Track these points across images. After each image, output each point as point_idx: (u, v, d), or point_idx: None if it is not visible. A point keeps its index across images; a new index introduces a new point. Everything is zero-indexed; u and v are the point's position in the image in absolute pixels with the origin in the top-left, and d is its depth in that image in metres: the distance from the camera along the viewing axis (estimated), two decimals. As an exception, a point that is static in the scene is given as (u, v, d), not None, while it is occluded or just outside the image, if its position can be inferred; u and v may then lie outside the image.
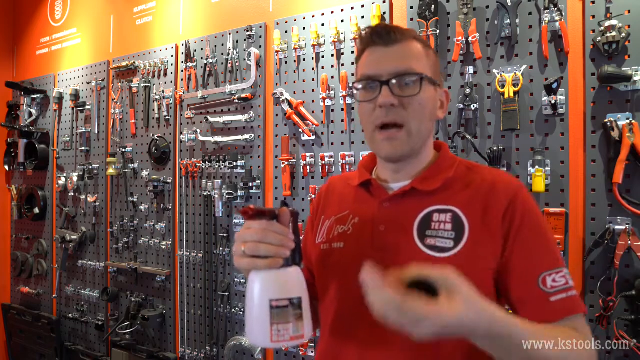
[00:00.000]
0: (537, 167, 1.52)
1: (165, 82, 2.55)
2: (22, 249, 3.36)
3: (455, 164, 0.92)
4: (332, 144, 1.98)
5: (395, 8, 1.86)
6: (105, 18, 2.95)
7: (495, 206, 0.84)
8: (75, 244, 2.90)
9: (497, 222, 0.83)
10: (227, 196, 2.21)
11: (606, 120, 1.44)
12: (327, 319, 0.92)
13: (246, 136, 2.20)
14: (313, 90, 2.03)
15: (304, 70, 2.07)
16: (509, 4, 1.57)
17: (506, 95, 1.58)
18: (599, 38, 1.44)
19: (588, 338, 0.82)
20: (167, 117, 2.52)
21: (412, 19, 1.79)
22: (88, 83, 2.95)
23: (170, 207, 2.50)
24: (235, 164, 2.21)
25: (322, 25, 2.01)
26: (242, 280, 2.23)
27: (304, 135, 2.02)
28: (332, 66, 1.98)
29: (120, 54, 2.81)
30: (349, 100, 1.93)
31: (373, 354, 0.84)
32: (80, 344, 2.98)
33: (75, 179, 2.93)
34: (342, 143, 1.95)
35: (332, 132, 1.98)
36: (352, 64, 1.93)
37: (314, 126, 2.00)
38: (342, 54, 1.96)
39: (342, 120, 1.94)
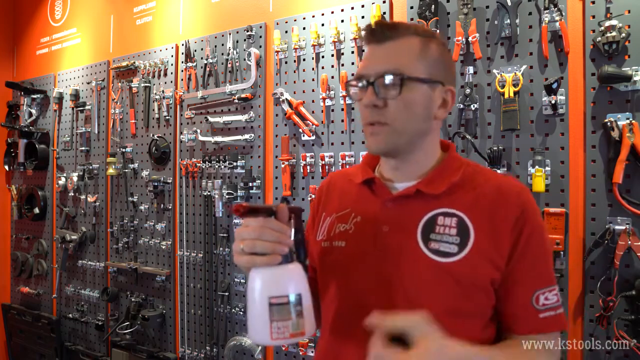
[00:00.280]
0: (537, 167, 1.52)
1: (165, 82, 2.55)
2: (22, 249, 3.36)
3: (462, 167, 0.90)
4: (332, 144, 1.98)
5: (395, 8, 1.86)
6: (105, 18, 2.95)
7: (505, 215, 0.82)
8: (75, 244, 2.90)
9: (505, 232, 0.82)
10: (227, 196, 2.21)
11: (606, 120, 1.44)
12: (327, 317, 0.92)
13: (246, 136, 2.20)
14: (313, 90, 2.03)
15: (304, 70, 2.07)
16: (509, 4, 1.57)
17: (506, 95, 1.58)
18: (599, 38, 1.44)
19: (556, 357, 0.86)
20: (167, 117, 2.52)
21: (412, 19, 1.79)
22: (88, 83, 2.95)
23: (170, 207, 2.50)
24: (235, 164, 2.21)
25: (322, 25, 2.01)
26: (242, 280, 2.23)
27: (304, 135, 2.02)
28: (332, 66, 1.98)
29: (120, 54, 2.81)
30: (349, 100, 1.93)
31: None
32: (80, 344, 2.98)
33: (75, 179, 2.93)
34: (342, 143, 1.95)
35: (332, 132, 1.98)
36: (352, 64, 1.93)
37: (314, 126, 2.00)
38: (342, 54, 1.96)
39: (342, 120, 1.94)
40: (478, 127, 1.66)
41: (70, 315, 2.99)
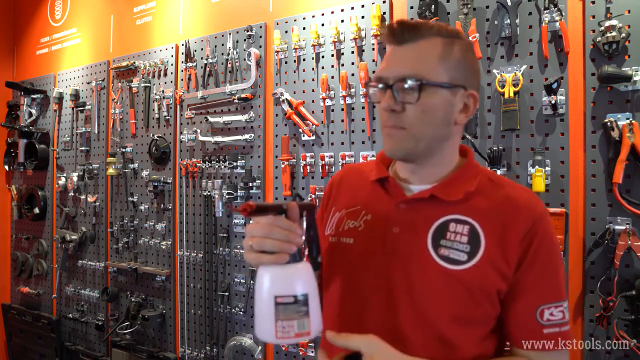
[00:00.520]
0: (537, 167, 1.52)
1: (165, 82, 2.55)
2: (22, 249, 3.36)
3: (478, 175, 0.88)
4: (332, 144, 1.98)
5: (395, 8, 1.86)
6: (105, 18, 2.95)
7: (515, 227, 0.81)
8: (75, 244, 2.90)
9: (514, 244, 0.81)
10: (227, 196, 2.21)
11: (606, 120, 1.44)
12: (330, 314, 0.91)
13: (246, 136, 2.20)
14: (313, 90, 2.03)
15: (304, 70, 2.07)
16: (509, 4, 1.57)
17: (506, 95, 1.58)
18: (599, 38, 1.44)
19: None
20: (167, 117, 2.52)
21: (412, 19, 1.79)
22: (88, 83, 2.95)
23: (170, 207, 2.50)
24: (235, 164, 2.21)
25: (322, 25, 2.01)
26: (242, 280, 2.23)
27: (304, 135, 2.02)
28: (332, 66, 1.98)
29: (120, 54, 2.81)
30: (349, 100, 1.93)
31: None
32: (80, 344, 2.98)
33: (75, 179, 2.93)
34: (342, 143, 1.95)
35: (332, 132, 1.98)
36: (352, 64, 1.93)
37: (314, 126, 2.00)
38: (342, 54, 1.96)
39: (342, 120, 1.94)
40: (478, 127, 1.66)
41: (70, 315, 2.99)
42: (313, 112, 2.03)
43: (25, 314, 3.22)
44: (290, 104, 2.06)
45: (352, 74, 1.92)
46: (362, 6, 1.91)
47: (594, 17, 1.48)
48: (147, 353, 2.53)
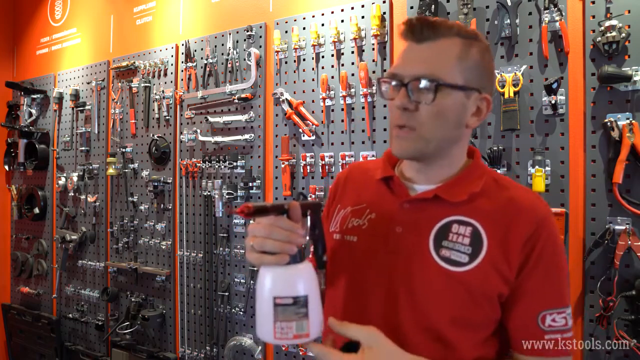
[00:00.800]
0: (537, 167, 1.52)
1: (165, 82, 2.55)
2: (22, 249, 3.36)
3: (484, 176, 0.87)
4: (332, 144, 1.98)
5: (395, 8, 1.86)
6: (105, 18, 2.95)
7: (518, 230, 0.80)
8: (75, 244, 2.90)
9: (516, 247, 0.80)
10: (227, 196, 2.21)
11: (606, 120, 1.44)
12: (334, 311, 0.91)
13: (246, 136, 2.20)
14: (313, 90, 2.03)
15: (304, 70, 2.07)
16: (509, 4, 1.57)
17: (506, 95, 1.58)
18: (599, 38, 1.44)
19: None
20: (167, 117, 2.52)
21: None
22: (88, 83, 2.95)
23: (170, 207, 2.50)
24: (235, 164, 2.21)
25: (322, 25, 2.01)
26: (242, 280, 2.23)
27: (304, 135, 2.02)
28: (332, 66, 1.98)
29: (120, 54, 2.81)
30: (349, 100, 1.93)
31: None
32: (80, 344, 2.98)
33: (75, 179, 2.93)
34: (342, 143, 1.95)
35: (332, 132, 1.98)
36: (352, 64, 1.93)
37: (314, 126, 2.00)
38: (342, 54, 1.96)
39: (342, 120, 1.94)
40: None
41: (70, 315, 2.99)
42: (313, 112, 2.03)
43: (25, 314, 3.22)
44: (290, 104, 2.06)
45: (352, 74, 1.92)
46: (362, 6, 1.91)
47: (594, 17, 1.48)
48: (147, 353, 2.53)
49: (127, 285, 2.71)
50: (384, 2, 1.86)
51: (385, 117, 1.85)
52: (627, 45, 1.43)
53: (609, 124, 1.43)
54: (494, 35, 1.64)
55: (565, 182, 1.52)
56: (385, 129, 1.85)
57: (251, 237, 0.75)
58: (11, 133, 3.42)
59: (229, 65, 2.28)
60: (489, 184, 0.87)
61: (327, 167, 1.96)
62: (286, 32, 2.11)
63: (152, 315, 2.47)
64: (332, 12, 1.98)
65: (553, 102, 1.51)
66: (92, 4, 3.05)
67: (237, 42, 2.27)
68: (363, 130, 1.89)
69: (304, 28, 2.06)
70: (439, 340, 0.81)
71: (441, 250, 0.82)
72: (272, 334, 0.72)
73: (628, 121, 1.42)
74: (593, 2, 1.49)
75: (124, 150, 2.68)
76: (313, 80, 2.03)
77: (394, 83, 0.83)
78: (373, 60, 1.87)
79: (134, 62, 2.66)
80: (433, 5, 1.71)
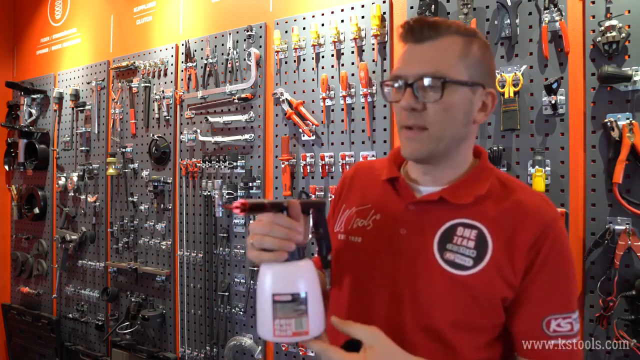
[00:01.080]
0: (537, 167, 1.52)
1: (165, 82, 2.55)
2: (22, 249, 3.36)
3: (490, 178, 0.86)
4: (332, 144, 1.98)
5: (395, 8, 1.86)
6: (105, 18, 2.95)
7: (524, 234, 0.79)
8: (75, 244, 2.90)
9: (522, 251, 0.79)
10: (227, 196, 2.21)
11: (606, 120, 1.44)
12: (338, 312, 0.91)
13: (246, 136, 2.20)
14: (313, 90, 2.03)
15: (304, 70, 2.07)
16: (509, 4, 1.57)
17: (506, 95, 1.58)
18: (599, 38, 1.44)
19: None
20: (167, 117, 2.52)
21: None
22: (88, 83, 2.95)
23: (170, 207, 2.50)
24: (235, 164, 2.21)
25: (322, 25, 2.01)
26: (242, 280, 2.23)
27: (304, 135, 2.02)
28: (332, 66, 1.98)
29: (120, 54, 2.81)
30: (349, 100, 1.93)
31: None
32: (80, 344, 2.98)
33: (75, 179, 2.93)
34: (342, 143, 1.95)
35: (332, 132, 1.98)
36: (352, 64, 1.93)
37: (314, 126, 2.00)
38: (342, 54, 1.96)
39: (342, 120, 1.94)
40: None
41: (70, 315, 2.99)
42: (313, 112, 2.03)
43: (25, 314, 3.22)
44: (290, 104, 2.06)
45: (352, 74, 1.92)
46: (362, 6, 1.91)
47: (594, 17, 1.48)
48: (147, 353, 2.53)
49: (127, 285, 2.71)
50: (384, 2, 1.86)
51: (385, 117, 1.85)
52: (627, 45, 1.43)
53: (609, 124, 1.43)
54: (494, 35, 1.64)
55: (565, 182, 1.52)
56: (385, 129, 1.85)
57: (251, 234, 0.75)
58: (11, 133, 3.42)
59: (229, 65, 2.28)
60: (495, 186, 0.86)
61: (327, 167, 1.96)
62: (286, 32, 2.11)
63: (152, 315, 2.47)
64: (332, 12, 1.98)
65: (553, 102, 1.51)
66: (92, 4, 3.05)
67: (237, 42, 2.27)
68: (363, 130, 1.89)
69: (304, 28, 2.06)
70: (442, 343, 0.80)
71: (445, 254, 0.81)
72: (272, 332, 0.72)
73: (628, 121, 1.42)
74: (593, 2, 1.49)
75: (124, 150, 2.68)
76: (313, 80, 2.03)
77: (398, 84, 0.82)
78: (373, 60, 1.87)
79: (134, 62, 2.66)
80: (433, 5, 1.71)
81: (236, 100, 2.20)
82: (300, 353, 2.02)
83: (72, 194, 2.99)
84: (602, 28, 1.44)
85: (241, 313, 2.23)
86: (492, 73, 0.88)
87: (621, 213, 1.44)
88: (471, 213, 0.83)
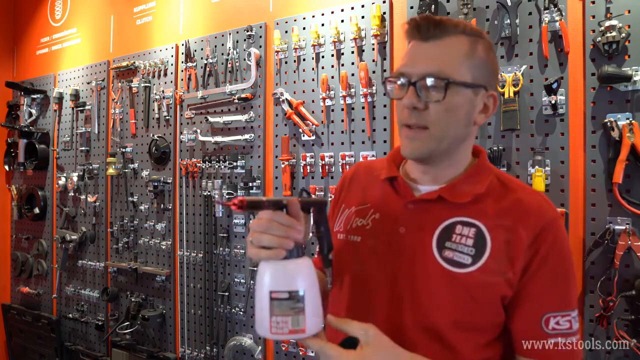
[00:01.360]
0: (537, 167, 1.52)
1: (165, 82, 2.55)
2: (22, 249, 3.36)
3: (489, 177, 0.87)
4: (332, 144, 1.98)
5: (395, 8, 1.86)
6: (105, 18, 2.95)
7: (524, 233, 0.80)
8: (75, 244, 2.90)
9: (521, 250, 0.79)
10: (227, 196, 2.21)
11: (606, 120, 1.44)
12: (338, 312, 0.91)
13: (246, 136, 2.20)
14: (313, 90, 2.03)
15: (304, 70, 2.07)
16: (509, 4, 1.57)
17: (506, 95, 1.58)
18: (599, 38, 1.44)
19: None
20: (167, 117, 2.52)
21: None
22: (88, 83, 2.95)
23: (170, 207, 2.50)
24: (235, 164, 2.21)
25: (322, 25, 2.01)
26: (242, 280, 2.23)
27: (304, 135, 2.02)
28: (332, 66, 1.98)
29: (120, 54, 2.81)
30: (349, 100, 1.93)
31: None
32: (80, 344, 2.98)
33: (75, 179, 2.93)
34: (342, 143, 1.95)
35: (332, 132, 1.98)
36: (352, 64, 1.93)
37: (314, 126, 2.00)
38: (342, 54, 1.96)
39: (342, 120, 1.94)
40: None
41: (70, 315, 2.99)
42: (313, 112, 2.03)
43: (25, 314, 3.22)
44: (290, 104, 2.06)
45: (352, 74, 1.92)
46: (362, 6, 1.91)
47: (594, 17, 1.48)
48: (147, 353, 2.53)
49: (127, 285, 2.71)
50: (384, 2, 1.86)
51: (385, 117, 1.85)
52: (627, 45, 1.43)
53: (609, 124, 1.43)
54: (494, 35, 1.64)
55: (565, 182, 1.52)
56: (385, 129, 1.85)
57: (251, 232, 0.75)
58: (11, 133, 3.42)
59: (229, 65, 2.28)
60: (495, 185, 0.86)
61: (327, 167, 1.96)
62: (286, 32, 2.11)
63: (152, 315, 2.47)
64: (332, 12, 1.98)
65: (553, 102, 1.51)
66: (92, 4, 3.05)
67: (237, 42, 2.27)
68: (363, 130, 1.89)
69: (304, 28, 2.06)
70: (441, 342, 0.81)
71: (444, 252, 0.81)
72: (269, 329, 0.72)
73: (628, 121, 1.42)
74: (593, 2, 1.49)
75: (124, 150, 2.68)
76: (313, 80, 2.03)
77: (401, 82, 0.82)
78: (373, 60, 1.87)
79: (134, 62, 2.66)
80: (433, 5, 1.71)
81: (236, 100, 2.20)
82: (301, 353, 2.02)
83: (72, 194, 2.99)
84: (602, 28, 1.44)
85: (241, 313, 2.23)
86: (496, 74, 0.88)
87: (621, 213, 1.43)
88: (470, 211, 0.83)
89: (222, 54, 2.31)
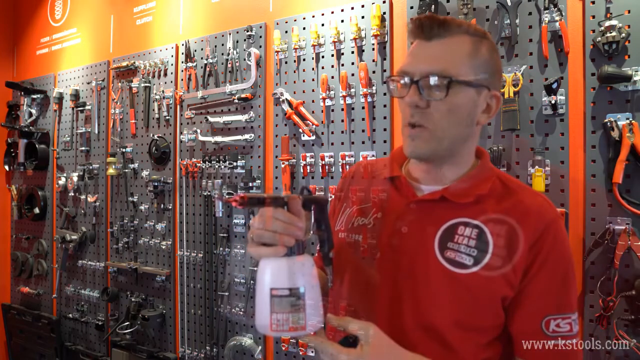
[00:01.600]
0: (537, 167, 1.52)
1: (165, 82, 2.55)
2: (22, 249, 3.36)
3: (491, 178, 0.87)
4: (332, 144, 1.98)
5: (395, 8, 1.86)
6: (105, 18, 2.95)
7: (524, 235, 0.80)
8: (75, 244, 2.90)
9: (522, 252, 0.79)
10: (227, 196, 2.20)
11: (606, 120, 1.44)
12: (338, 310, 0.91)
13: (246, 136, 2.20)
14: (313, 90, 2.03)
15: (304, 70, 2.07)
16: (509, 4, 1.57)
17: (506, 95, 1.58)
18: (599, 38, 1.44)
19: None
20: (167, 117, 2.52)
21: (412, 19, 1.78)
22: (88, 83, 2.95)
23: (170, 207, 2.50)
24: (235, 164, 2.21)
25: (322, 25, 2.01)
26: (242, 280, 2.23)
27: (304, 135, 2.02)
28: (332, 66, 1.98)
29: (120, 54, 2.81)
30: (349, 100, 1.93)
31: None
32: (80, 344, 2.98)
33: (75, 179, 2.93)
34: (342, 143, 1.95)
35: (332, 132, 1.98)
36: (352, 64, 1.93)
37: (314, 126, 2.00)
38: (342, 54, 1.96)
39: (342, 120, 1.94)
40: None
41: (70, 315, 2.99)
42: (313, 112, 2.03)
43: (25, 314, 3.22)
44: (290, 104, 2.06)
45: (352, 74, 1.92)
46: (362, 6, 1.91)
47: (594, 17, 1.48)
48: (147, 353, 2.53)
49: (127, 285, 2.71)
50: (384, 2, 1.86)
51: (385, 117, 1.85)
52: (627, 45, 1.43)
53: (609, 124, 1.43)
54: (494, 35, 1.63)
55: (565, 182, 1.52)
56: (385, 129, 1.85)
57: (252, 229, 0.75)
58: (11, 133, 3.41)
59: (229, 65, 2.28)
60: (497, 186, 0.86)
61: (327, 167, 1.96)
62: (286, 32, 2.11)
63: (152, 315, 2.47)
64: (332, 12, 1.98)
65: (553, 102, 1.51)
66: (92, 4, 3.05)
67: (237, 42, 2.27)
68: (363, 130, 1.89)
69: (304, 28, 2.06)
70: (440, 342, 0.81)
71: (446, 252, 0.81)
72: (269, 326, 0.72)
73: (628, 121, 1.41)
74: (593, 2, 1.48)
75: (124, 150, 2.68)
76: (313, 80, 2.03)
77: (404, 80, 0.82)
78: (373, 60, 1.87)
79: (134, 62, 2.66)
80: (433, 5, 1.71)
81: (236, 100, 2.20)
82: (301, 353, 2.02)
83: (72, 194, 2.99)
84: (602, 28, 1.44)
85: (241, 313, 2.23)
86: (499, 75, 0.88)
87: (621, 213, 1.43)
88: (472, 212, 0.83)
89: (222, 54, 2.31)
